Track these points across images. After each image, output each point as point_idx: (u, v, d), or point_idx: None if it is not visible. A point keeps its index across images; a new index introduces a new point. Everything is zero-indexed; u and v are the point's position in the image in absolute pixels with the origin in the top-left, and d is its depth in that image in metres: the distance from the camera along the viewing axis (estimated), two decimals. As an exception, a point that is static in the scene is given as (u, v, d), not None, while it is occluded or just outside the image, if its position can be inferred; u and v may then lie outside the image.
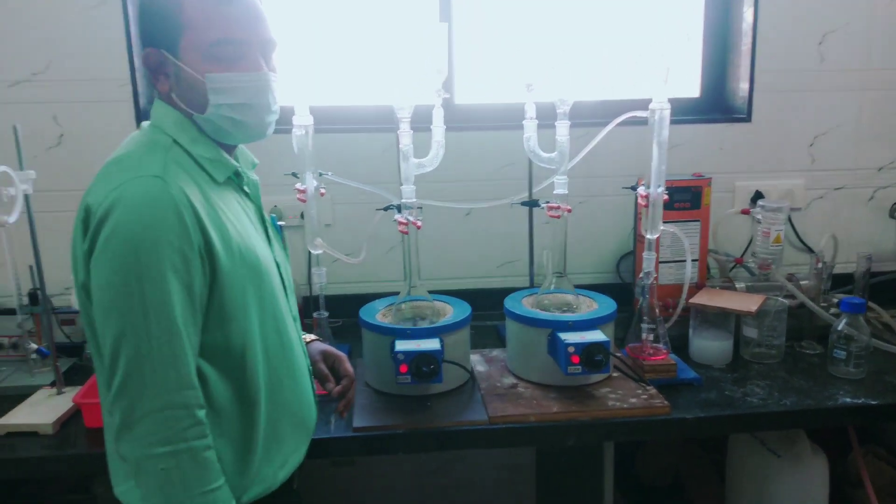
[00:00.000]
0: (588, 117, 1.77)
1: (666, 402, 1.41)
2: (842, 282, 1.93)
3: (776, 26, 1.97)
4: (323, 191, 1.53)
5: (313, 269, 1.57)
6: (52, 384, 1.57)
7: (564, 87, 1.53)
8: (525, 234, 1.88)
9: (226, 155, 1.08)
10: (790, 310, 1.73)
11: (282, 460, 1.11)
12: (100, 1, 1.78)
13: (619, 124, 1.53)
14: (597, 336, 1.40)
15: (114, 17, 1.79)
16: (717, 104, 2.14)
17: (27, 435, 1.40)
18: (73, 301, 1.77)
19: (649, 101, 1.48)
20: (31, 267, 1.59)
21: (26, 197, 1.44)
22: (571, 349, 1.37)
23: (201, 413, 0.94)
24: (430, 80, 1.47)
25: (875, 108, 2.05)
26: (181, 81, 1.02)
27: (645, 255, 1.55)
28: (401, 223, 1.51)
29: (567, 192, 1.54)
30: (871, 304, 1.88)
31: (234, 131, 1.06)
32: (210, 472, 0.94)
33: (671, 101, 2.11)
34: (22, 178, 1.42)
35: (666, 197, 1.52)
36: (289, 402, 1.11)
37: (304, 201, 1.51)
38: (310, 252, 1.61)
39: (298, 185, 1.51)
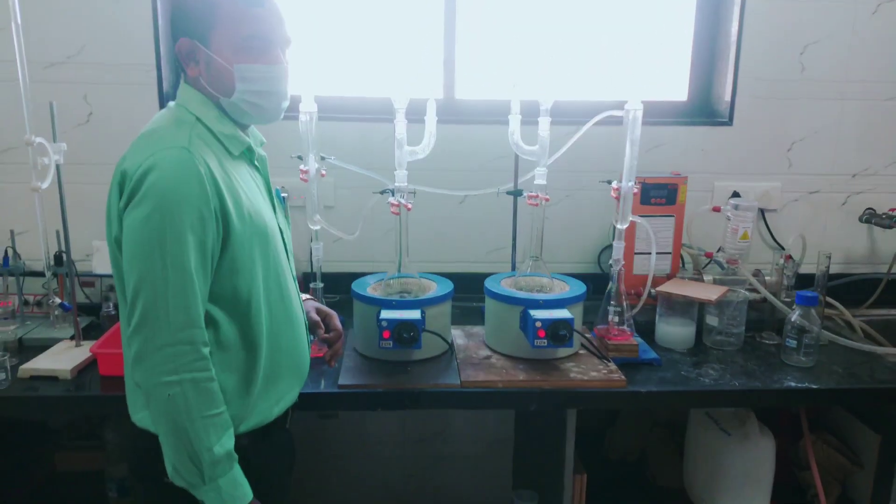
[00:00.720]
0: (574, 116, 1.91)
1: (623, 377, 1.56)
2: (811, 281, 2.05)
3: (760, 37, 2.09)
4: (324, 172, 1.68)
5: (312, 244, 1.72)
6: (72, 338, 1.74)
7: (546, 86, 1.67)
8: (522, 222, 2.02)
9: (241, 132, 1.24)
10: (754, 303, 1.86)
11: (277, 397, 1.27)
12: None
13: (605, 123, 1.67)
14: (563, 314, 1.54)
15: (143, 8, 1.95)
16: (703, 108, 2.26)
17: (48, 379, 1.57)
18: (94, 265, 1.95)
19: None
20: (57, 231, 1.76)
21: (57, 167, 1.61)
22: (538, 324, 1.52)
23: (205, 350, 1.10)
24: (426, 77, 1.62)
25: (853, 117, 2.17)
26: (211, 69, 1.18)
27: (615, 243, 1.69)
28: (393, 205, 1.66)
29: (546, 182, 1.68)
30: (833, 302, 2.01)
31: (253, 114, 1.23)
32: (211, 400, 1.10)
33: (660, 104, 2.26)
34: (55, 150, 1.59)
35: (636, 191, 1.65)
36: (286, 347, 1.28)
37: (306, 181, 1.67)
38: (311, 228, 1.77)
39: (302, 167, 1.66)
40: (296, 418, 1.40)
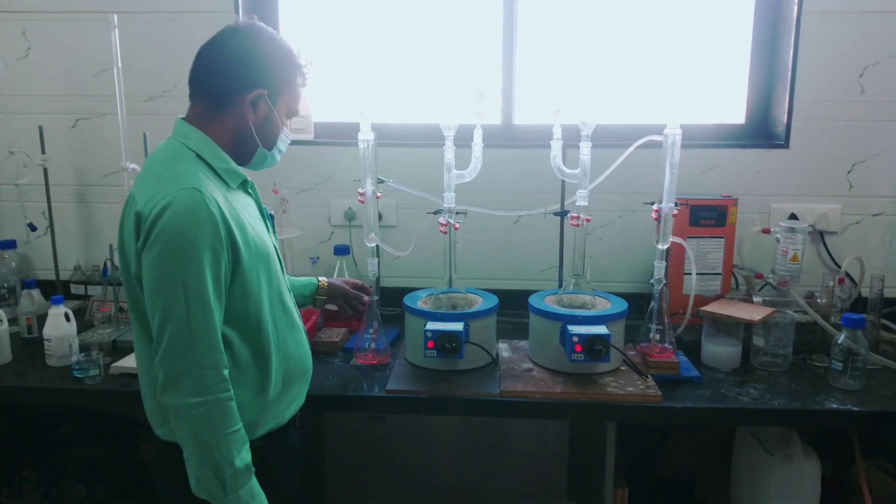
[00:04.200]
0: (624, 139, 1.97)
1: (659, 392, 1.60)
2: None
3: (818, 59, 2.09)
4: (379, 194, 1.82)
5: (369, 260, 1.85)
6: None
7: (596, 110, 1.74)
8: (569, 243, 2.09)
9: (236, 166, 1.37)
10: (807, 325, 1.86)
11: (288, 401, 1.41)
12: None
13: (657, 147, 1.72)
14: (600, 330, 1.61)
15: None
16: (760, 131, 2.27)
17: (136, 376, 1.76)
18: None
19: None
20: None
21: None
22: (575, 339, 1.59)
23: (226, 372, 1.22)
24: (472, 105, 1.74)
25: (917, 139, 2.13)
26: (268, 122, 1.36)
27: (656, 263, 1.74)
28: (442, 224, 1.77)
29: (587, 204, 1.75)
30: (889, 324, 1.96)
31: (271, 163, 1.44)
32: (231, 418, 1.21)
33: (716, 126, 2.30)
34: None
35: (675, 212, 1.70)
36: (292, 356, 1.41)
37: (363, 202, 1.81)
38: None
39: (360, 189, 1.81)
40: (346, 418, 1.53)
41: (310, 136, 2.25)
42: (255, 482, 1.25)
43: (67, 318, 1.84)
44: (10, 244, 2.27)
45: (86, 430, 2.25)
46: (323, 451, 2.47)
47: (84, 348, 1.82)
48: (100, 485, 2.11)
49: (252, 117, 1.34)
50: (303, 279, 1.80)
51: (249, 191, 1.43)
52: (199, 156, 1.30)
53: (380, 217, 2.24)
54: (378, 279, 1.89)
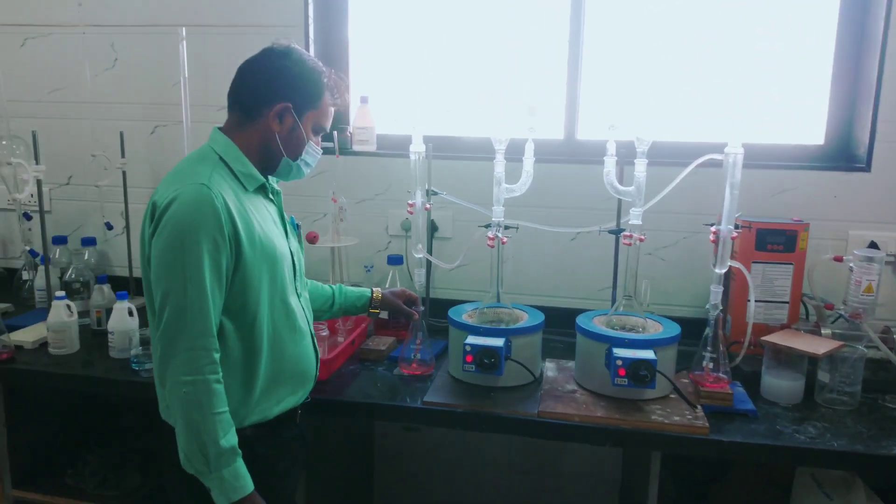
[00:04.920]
0: (691, 157, 1.89)
1: (706, 424, 1.52)
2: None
3: (905, 78, 1.95)
4: (428, 206, 1.82)
5: (416, 271, 1.85)
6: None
7: (646, 127, 1.68)
8: (624, 262, 2.02)
9: (256, 171, 1.42)
10: (880, 362, 1.72)
11: (277, 399, 1.43)
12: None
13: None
14: (646, 354, 1.54)
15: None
16: (840, 152, 2.13)
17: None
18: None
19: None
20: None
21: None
22: (619, 363, 1.53)
23: (217, 355, 1.28)
24: (525, 119, 1.72)
25: None
26: (293, 134, 1.42)
27: (712, 287, 1.65)
28: (490, 238, 1.76)
29: (641, 223, 1.69)
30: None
31: (297, 175, 1.51)
32: (218, 400, 1.27)
33: (791, 147, 2.18)
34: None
35: (734, 235, 1.61)
36: (289, 356, 1.44)
37: (412, 213, 1.81)
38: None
39: (409, 201, 1.81)
40: (383, 428, 1.52)
41: (372, 148, 2.28)
42: (240, 464, 1.29)
43: (131, 313, 1.93)
44: (91, 241, 2.41)
45: (147, 422, 2.34)
46: (373, 458, 2.49)
47: (144, 342, 1.90)
48: (155, 476, 2.19)
49: (277, 128, 1.41)
50: (356, 290, 1.83)
51: (271, 197, 1.49)
52: (221, 158, 1.39)
53: (436, 229, 2.25)
54: (427, 290, 1.89)
